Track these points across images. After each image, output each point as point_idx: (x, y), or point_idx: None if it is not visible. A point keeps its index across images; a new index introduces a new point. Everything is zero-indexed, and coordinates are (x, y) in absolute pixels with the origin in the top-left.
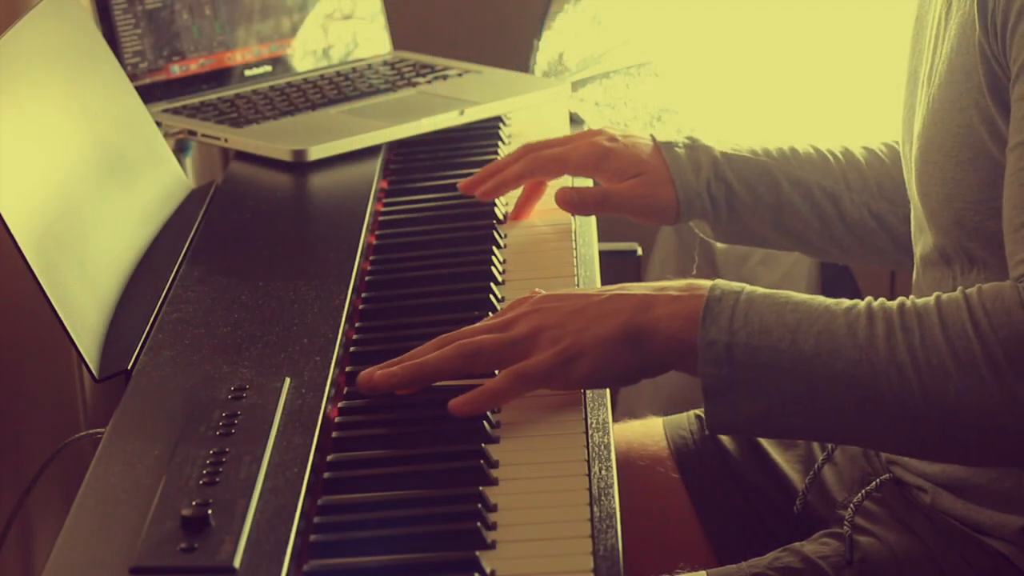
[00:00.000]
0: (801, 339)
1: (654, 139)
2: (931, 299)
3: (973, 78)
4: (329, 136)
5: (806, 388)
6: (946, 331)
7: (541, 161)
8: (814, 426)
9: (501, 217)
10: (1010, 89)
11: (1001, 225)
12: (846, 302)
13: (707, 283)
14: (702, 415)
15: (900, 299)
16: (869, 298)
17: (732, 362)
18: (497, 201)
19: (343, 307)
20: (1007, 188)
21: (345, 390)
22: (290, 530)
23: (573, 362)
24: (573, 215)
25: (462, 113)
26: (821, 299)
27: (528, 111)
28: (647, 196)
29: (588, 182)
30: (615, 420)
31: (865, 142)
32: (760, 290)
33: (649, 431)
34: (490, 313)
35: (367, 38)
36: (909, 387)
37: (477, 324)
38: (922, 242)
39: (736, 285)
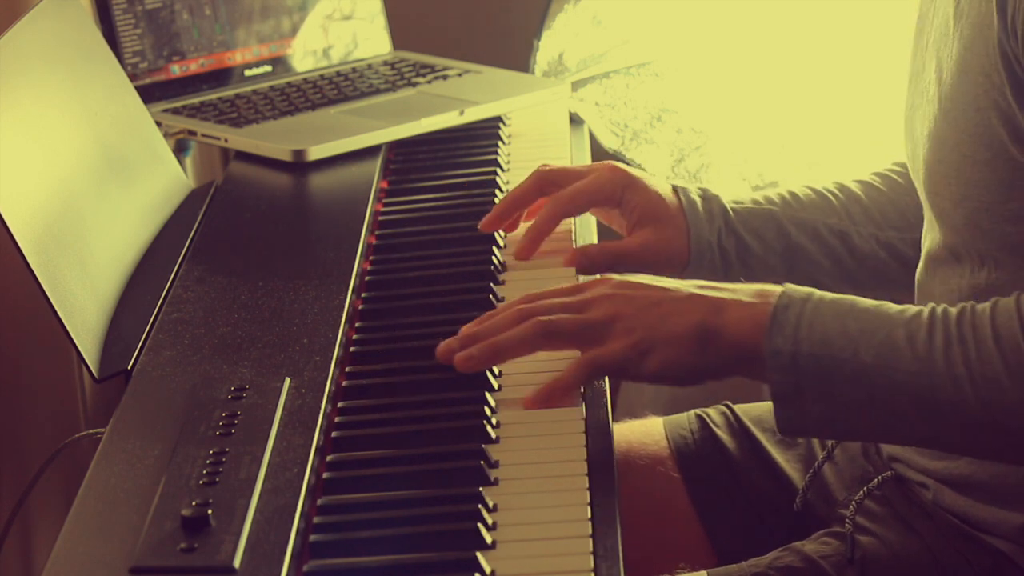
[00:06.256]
0: (862, 350)
1: (673, 187)
2: (988, 306)
3: (992, 79)
4: (329, 136)
5: (867, 397)
6: (999, 343)
7: (552, 175)
8: (878, 430)
9: None
10: None
11: (1017, 226)
12: (911, 309)
13: (777, 289)
14: (702, 414)
15: (961, 305)
16: (932, 304)
17: (797, 370)
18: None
19: (343, 307)
20: None
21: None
22: (290, 530)
23: (644, 356)
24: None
25: (462, 113)
26: (886, 306)
27: (528, 111)
28: (661, 251)
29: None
30: (615, 420)
31: (855, 175)
32: (828, 296)
33: (649, 431)
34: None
35: (367, 38)
36: (965, 398)
37: (553, 297)
38: (930, 239)
39: (803, 291)
